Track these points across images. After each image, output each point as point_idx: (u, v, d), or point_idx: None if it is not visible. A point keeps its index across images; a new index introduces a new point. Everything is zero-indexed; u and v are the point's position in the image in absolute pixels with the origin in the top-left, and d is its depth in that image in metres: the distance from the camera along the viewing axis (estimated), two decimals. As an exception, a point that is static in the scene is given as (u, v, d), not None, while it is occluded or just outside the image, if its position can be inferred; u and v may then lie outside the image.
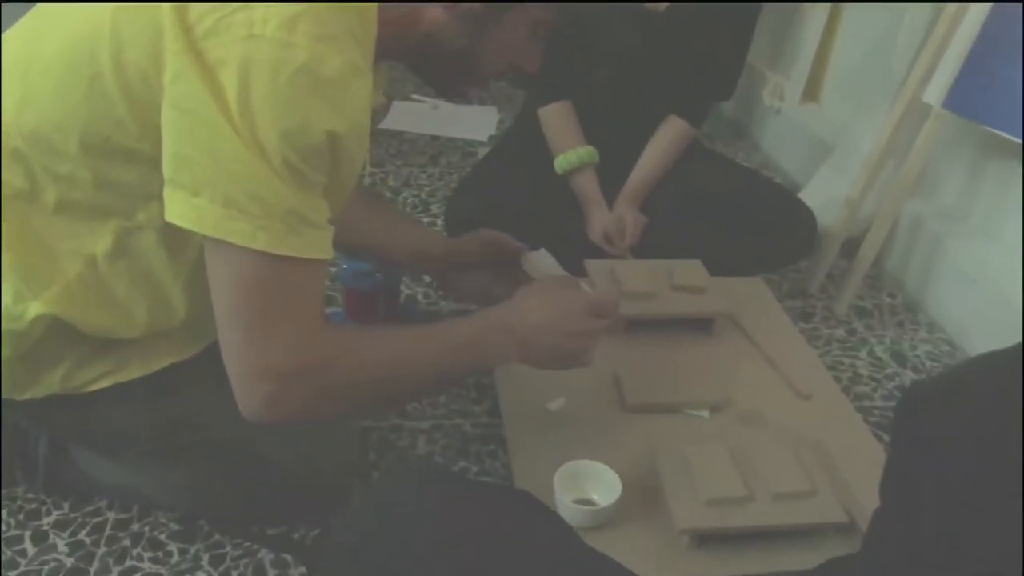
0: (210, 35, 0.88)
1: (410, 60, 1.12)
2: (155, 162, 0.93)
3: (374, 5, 0.98)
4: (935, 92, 1.87)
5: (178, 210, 0.91)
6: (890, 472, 0.62)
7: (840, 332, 1.98)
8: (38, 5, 1.06)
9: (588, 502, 1.22)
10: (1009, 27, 1.75)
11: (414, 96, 2.98)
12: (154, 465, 1.25)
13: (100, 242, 1.05)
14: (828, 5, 2.57)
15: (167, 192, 0.92)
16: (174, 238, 1.03)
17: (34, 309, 1.04)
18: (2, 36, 1.07)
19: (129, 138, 0.96)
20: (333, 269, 1.96)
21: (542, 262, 1.44)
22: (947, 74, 1.84)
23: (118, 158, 0.98)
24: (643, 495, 1.24)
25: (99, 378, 1.11)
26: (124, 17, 0.93)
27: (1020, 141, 1.74)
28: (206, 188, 0.89)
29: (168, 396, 1.16)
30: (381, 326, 1.44)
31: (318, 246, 0.95)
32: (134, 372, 1.13)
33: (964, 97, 1.82)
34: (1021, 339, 1.75)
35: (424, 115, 2.87)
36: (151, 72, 0.91)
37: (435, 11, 1.03)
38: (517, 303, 1.17)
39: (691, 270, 1.68)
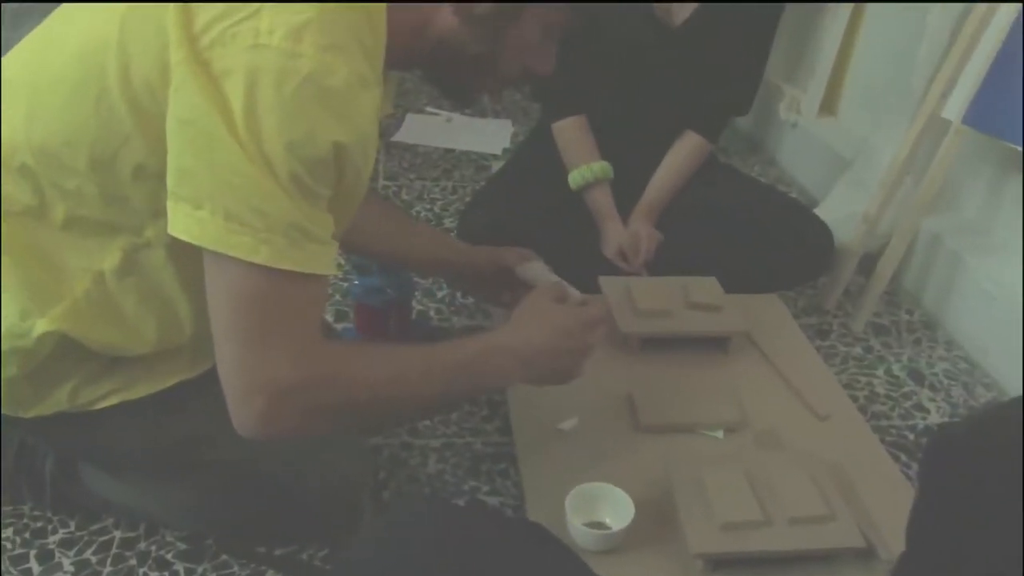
0: (216, 45, 0.86)
1: (423, 67, 1.10)
2: (163, 178, 0.92)
3: (383, 13, 0.96)
4: (955, 107, 1.85)
5: (180, 223, 0.90)
6: (916, 516, 0.60)
7: (857, 350, 1.95)
8: (46, 20, 1.06)
9: (600, 525, 1.20)
10: (1030, 42, 1.73)
11: (428, 109, 2.97)
12: (161, 484, 1.23)
13: (108, 258, 1.03)
14: (846, 19, 2.55)
15: (170, 205, 0.90)
16: (183, 254, 1.00)
17: (41, 326, 1.03)
18: (11, 49, 1.06)
19: (137, 153, 0.95)
20: (345, 284, 1.95)
21: (536, 272, 1.47)
22: (967, 89, 1.82)
23: (126, 174, 0.97)
24: (657, 518, 1.22)
25: (106, 396, 1.10)
26: (131, 29, 0.92)
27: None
28: (208, 201, 0.87)
29: (175, 414, 1.15)
30: (381, 343, 1.41)
31: (320, 261, 0.93)
32: (141, 390, 1.12)
33: (984, 113, 1.80)
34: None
35: (438, 128, 2.86)
36: (157, 85, 0.90)
37: (447, 17, 1.00)
38: (516, 325, 1.17)
39: (707, 287, 1.66)
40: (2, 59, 1.06)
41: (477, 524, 0.86)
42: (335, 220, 0.96)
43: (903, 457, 1.63)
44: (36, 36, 1.05)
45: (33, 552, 1.28)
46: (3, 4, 0.88)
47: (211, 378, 1.13)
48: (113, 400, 1.10)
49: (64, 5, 1.05)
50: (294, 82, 0.85)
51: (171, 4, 0.89)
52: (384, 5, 0.96)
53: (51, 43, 1.02)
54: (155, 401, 1.13)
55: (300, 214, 0.89)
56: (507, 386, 1.18)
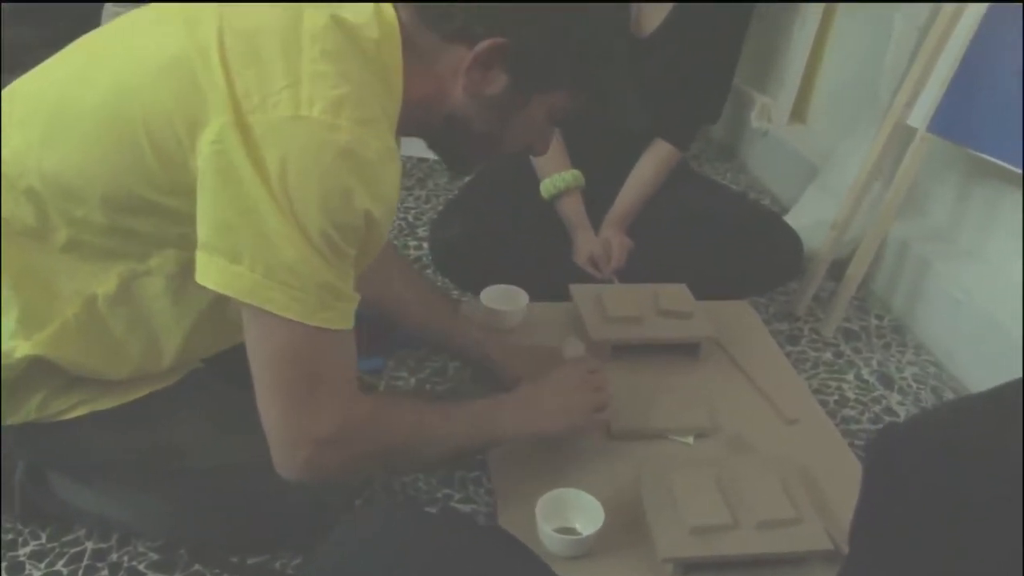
0: (258, 111, 0.90)
1: (428, 138, 1.16)
2: (176, 216, 0.97)
3: (400, 82, 1.01)
4: (920, 116, 1.87)
5: (213, 275, 0.94)
6: (859, 515, 0.61)
7: (827, 355, 1.97)
8: (81, 49, 1.07)
9: (571, 531, 1.21)
10: (992, 51, 1.76)
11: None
12: (133, 493, 1.23)
13: (105, 283, 1.04)
14: (815, 28, 2.58)
15: (201, 256, 0.94)
16: (181, 287, 1.05)
17: (23, 350, 1.04)
18: (35, 70, 1.09)
19: (156, 192, 0.97)
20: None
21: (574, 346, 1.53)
22: (932, 98, 1.85)
23: (139, 210, 0.99)
24: (627, 523, 1.23)
25: (76, 406, 1.10)
26: (164, 80, 0.95)
27: (1006, 164, 1.74)
28: (247, 256, 0.91)
29: (146, 424, 1.15)
30: (409, 398, 1.54)
31: (346, 318, 0.98)
32: (111, 401, 1.12)
33: (948, 121, 1.83)
34: (1007, 363, 1.75)
35: (411, 138, 2.86)
36: (183, 133, 0.93)
37: (459, 94, 1.05)
38: (528, 394, 1.28)
39: (677, 295, 1.67)
40: (26, 75, 1.08)
41: (445, 531, 0.87)
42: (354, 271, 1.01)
43: (872, 460, 1.65)
44: (65, 64, 1.07)
45: (3, 565, 1.27)
46: (3, 4, 0.89)
47: (182, 387, 1.14)
48: (82, 410, 1.10)
49: (96, 41, 1.07)
50: (332, 152, 0.90)
51: (210, 61, 0.93)
52: (400, 76, 1.01)
53: (82, 78, 1.02)
54: (125, 411, 1.13)
55: (330, 275, 0.94)
56: (522, 438, 1.29)
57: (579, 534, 1.20)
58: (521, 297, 1.65)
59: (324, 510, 1.24)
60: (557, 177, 1.89)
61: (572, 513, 1.22)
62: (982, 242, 2.00)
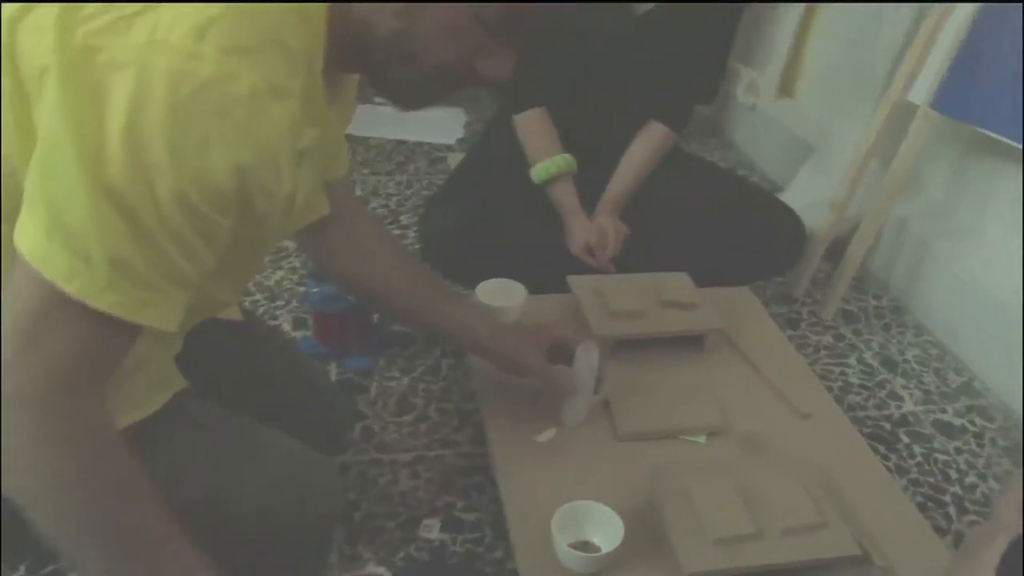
0: (105, 32, 0.74)
1: (360, 65, 0.95)
2: None
3: (321, 6, 0.85)
4: (921, 92, 1.82)
5: (17, 228, 0.77)
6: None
7: (828, 338, 1.92)
8: None
9: (587, 544, 1.15)
10: (997, 26, 1.70)
11: (377, 99, 2.87)
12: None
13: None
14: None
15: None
16: None
17: None
18: None
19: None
20: (301, 289, 1.87)
21: (585, 360, 1.33)
22: (934, 74, 1.79)
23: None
24: (644, 532, 1.17)
25: None
26: (21, 31, 0.79)
27: (1012, 143, 1.69)
28: (40, 208, 0.75)
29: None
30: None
31: (139, 309, 0.78)
32: None
33: (952, 97, 1.77)
34: (1009, 341, 1.71)
35: (389, 119, 2.76)
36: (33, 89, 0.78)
37: None
38: None
39: (679, 284, 1.61)
40: None
41: None
42: (247, 254, 0.87)
43: (881, 449, 1.61)
44: None
45: (-19, 599, 1.19)
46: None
47: (166, 417, 1.05)
48: None
49: None
50: (189, 87, 0.73)
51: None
52: None
53: None
54: None
55: (140, 248, 0.76)
56: None
57: (596, 548, 1.14)
58: (518, 291, 1.58)
59: (321, 534, 1.17)
60: (548, 162, 1.81)
61: (589, 526, 1.16)
62: (980, 219, 1.96)
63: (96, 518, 0.83)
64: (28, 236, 0.76)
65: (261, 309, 1.82)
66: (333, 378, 1.64)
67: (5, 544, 1.20)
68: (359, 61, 0.93)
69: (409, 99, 0.98)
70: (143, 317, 0.79)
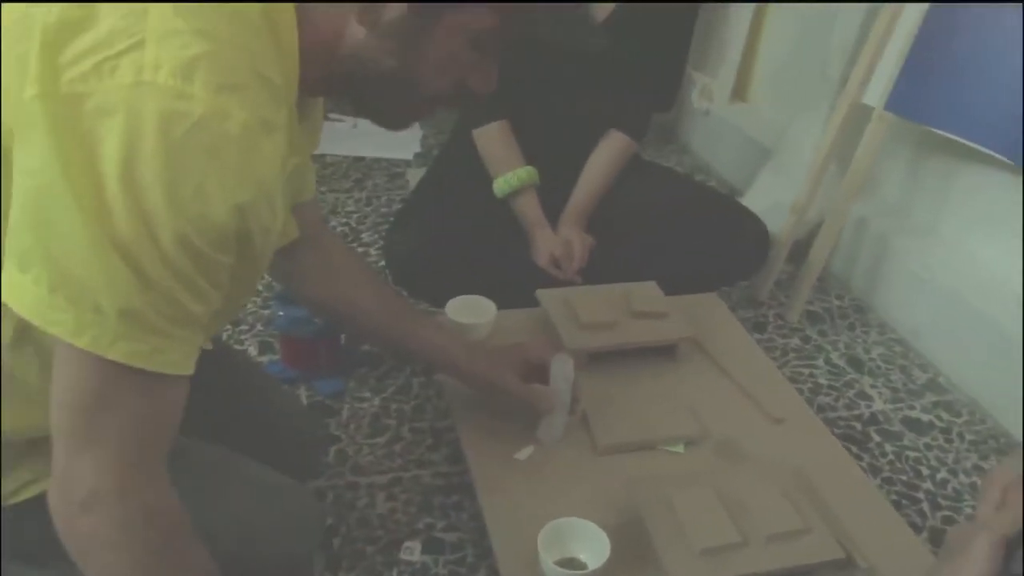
0: (90, 78, 0.71)
1: (345, 93, 0.96)
2: None
3: (294, 37, 0.84)
4: (875, 94, 1.84)
5: (4, 285, 0.75)
6: None
7: (795, 341, 1.94)
8: None
9: (574, 560, 1.14)
10: (944, 26, 1.73)
11: (332, 115, 2.85)
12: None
13: (4, 332, 0.90)
14: (753, 5, 2.54)
15: (5, 261, 0.76)
16: None
17: None
18: None
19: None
20: (266, 312, 1.85)
21: (561, 371, 1.33)
22: (887, 76, 1.81)
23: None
24: (630, 546, 1.16)
25: (26, 486, 0.97)
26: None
27: (966, 141, 1.72)
28: (35, 264, 0.73)
29: None
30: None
31: (158, 357, 0.77)
32: None
33: (905, 98, 1.80)
34: (971, 337, 1.73)
35: (344, 135, 2.75)
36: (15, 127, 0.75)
37: (355, 31, 0.88)
38: None
39: (648, 294, 1.61)
40: None
41: None
42: (241, 290, 0.85)
43: (854, 449, 1.62)
44: None
45: (-50, 649, 1.15)
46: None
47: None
48: (35, 490, 0.97)
49: None
50: (181, 127, 0.71)
51: (32, 28, 0.73)
52: (294, 28, 0.84)
53: None
54: None
55: (147, 298, 0.74)
56: None
57: (583, 564, 1.13)
58: (488, 308, 1.56)
59: (300, 565, 1.15)
60: (511, 175, 1.81)
61: (575, 543, 1.15)
62: (936, 217, 1.99)
63: None
64: (24, 292, 0.73)
65: (226, 335, 1.78)
66: (304, 402, 1.62)
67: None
68: (345, 91, 0.94)
69: (397, 121, 0.99)
70: (156, 364, 0.76)
